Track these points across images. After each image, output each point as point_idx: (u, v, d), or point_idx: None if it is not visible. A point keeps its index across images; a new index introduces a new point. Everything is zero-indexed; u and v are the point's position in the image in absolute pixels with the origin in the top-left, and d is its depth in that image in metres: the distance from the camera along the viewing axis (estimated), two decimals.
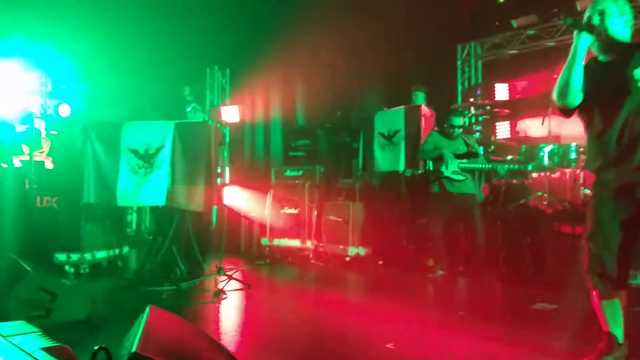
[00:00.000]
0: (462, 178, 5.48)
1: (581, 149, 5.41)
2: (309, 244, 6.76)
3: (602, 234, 2.48)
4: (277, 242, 7.02)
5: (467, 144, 5.63)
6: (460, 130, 5.67)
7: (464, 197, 5.47)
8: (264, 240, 7.10)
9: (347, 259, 6.18)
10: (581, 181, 5.55)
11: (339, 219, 6.44)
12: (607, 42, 2.43)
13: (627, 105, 2.37)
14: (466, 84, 8.65)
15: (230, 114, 7.23)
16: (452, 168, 5.47)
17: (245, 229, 7.57)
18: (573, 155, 5.54)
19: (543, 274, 4.95)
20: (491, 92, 8.10)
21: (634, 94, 2.34)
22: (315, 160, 7.62)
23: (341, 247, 6.32)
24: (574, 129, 6.53)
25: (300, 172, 7.26)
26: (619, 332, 2.51)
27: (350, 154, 7.93)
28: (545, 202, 5.53)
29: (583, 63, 2.41)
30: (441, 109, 6.95)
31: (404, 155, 7.28)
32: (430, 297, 5.01)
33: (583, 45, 2.39)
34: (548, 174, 5.78)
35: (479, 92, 8.27)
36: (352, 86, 8.23)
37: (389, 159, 7.46)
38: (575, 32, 2.40)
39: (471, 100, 8.07)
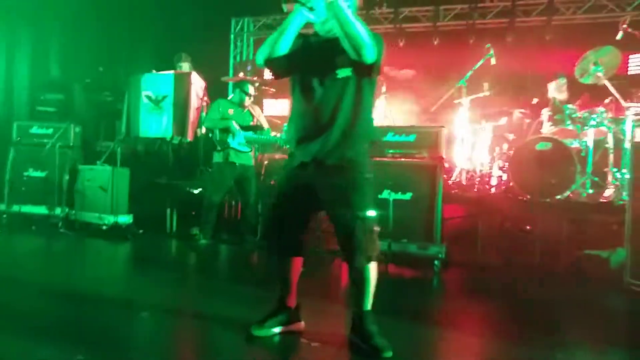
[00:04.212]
0: (248, 150, 5.53)
1: None
2: (58, 211, 6.08)
3: (279, 204, 2.59)
4: (17, 208, 6.13)
5: (252, 116, 5.64)
6: (250, 100, 5.72)
7: (245, 168, 5.51)
8: (1, 206, 6.14)
9: (104, 227, 5.77)
10: None
11: (97, 185, 5.95)
12: (328, 23, 2.43)
13: (327, 90, 2.43)
14: (238, 58, 8.83)
15: None
16: (238, 139, 5.50)
17: None
18: None
19: None
20: (261, 70, 8.46)
21: (333, 84, 2.43)
22: (70, 118, 6.83)
23: (98, 215, 5.86)
24: None
25: (51, 130, 6.43)
26: (288, 296, 2.67)
27: (113, 115, 7.38)
28: None
29: (294, 34, 2.41)
30: (213, 80, 6.97)
31: (172, 121, 7.13)
32: (189, 265, 5.07)
33: (299, 20, 2.39)
34: None
35: (249, 67, 8.55)
36: (119, 42, 7.60)
37: (156, 124, 7.21)
38: (296, 4, 2.38)
39: (241, 74, 8.29)
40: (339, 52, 2.38)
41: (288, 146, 2.68)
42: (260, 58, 2.46)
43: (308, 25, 2.48)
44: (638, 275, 3.82)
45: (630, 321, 3.56)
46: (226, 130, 5.48)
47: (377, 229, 2.50)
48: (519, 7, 7.81)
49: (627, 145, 4.86)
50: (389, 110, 6.89)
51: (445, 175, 5.26)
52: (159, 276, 4.22)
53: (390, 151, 4.92)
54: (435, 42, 8.06)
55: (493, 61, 6.16)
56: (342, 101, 2.42)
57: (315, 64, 2.47)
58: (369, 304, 2.51)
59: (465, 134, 6.19)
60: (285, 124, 5.52)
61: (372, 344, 2.42)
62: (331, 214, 2.51)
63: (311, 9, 2.37)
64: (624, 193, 4.66)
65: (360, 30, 2.28)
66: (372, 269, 2.49)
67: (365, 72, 2.43)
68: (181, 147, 7.19)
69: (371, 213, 2.45)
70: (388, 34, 8.39)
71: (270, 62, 2.46)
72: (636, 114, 5.06)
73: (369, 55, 2.32)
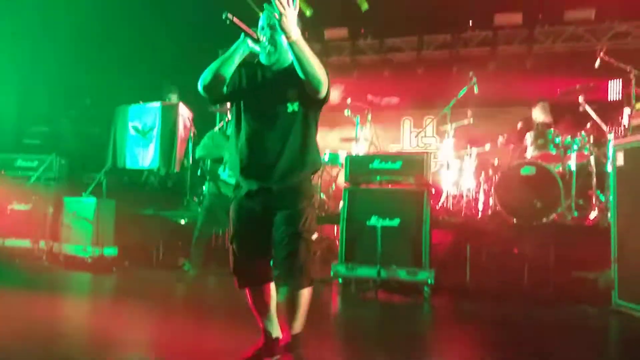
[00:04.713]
0: None
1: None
2: (42, 244, 5.99)
3: (237, 236, 2.56)
4: (0, 241, 6.03)
5: None
6: None
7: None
8: None
9: (89, 260, 5.68)
10: (318, 188, 6.28)
11: (82, 217, 5.88)
12: (274, 57, 2.45)
13: (276, 121, 2.44)
14: None
15: None
16: (229, 171, 5.43)
17: None
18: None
19: None
20: None
21: (282, 116, 2.43)
22: (56, 150, 6.81)
23: (83, 247, 5.77)
24: None
25: (35, 163, 6.40)
26: (272, 327, 2.59)
27: (99, 147, 7.36)
28: None
29: (237, 63, 2.41)
30: (200, 110, 6.99)
31: (159, 152, 7.12)
32: (177, 296, 4.99)
33: (243, 50, 2.40)
34: None
35: None
36: (106, 74, 7.63)
37: (143, 155, 7.19)
38: (242, 34, 2.37)
39: (228, 105, 8.33)
40: (288, 85, 2.41)
41: (230, 175, 2.63)
42: (201, 85, 2.42)
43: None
44: (626, 297, 3.83)
45: (619, 343, 3.55)
46: (218, 161, 5.46)
47: (317, 252, 2.50)
48: (500, 36, 8.01)
49: (610, 168, 4.93)
50: (375, 137, 6.95)
51: (432, 201, 5.28)
52: (146, 309, 4.14)
53: (377, 178, 4.95)
54: (420, 71, 8.21)
55: (476, 89, 6.27)
56: (289, 134, 2.44)
57: (263, 97, 2.47)
58: (299, 327, 2.47)
59: (451, 160, 6.25)
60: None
61: None
62: (278, 236, 2.46)
63: (257, 40, 2.38)
64: (609, 215, 4.71)
65: (319, 68, 2.31)
66: (308, 293, 2.45)
67: (316, 106, 2.48)
68: (168, 178, 7.16)
69: (314, 236, 2.46)
70: (373, 63, 8.55)
71: (210, 90, 2.43)
72: (617, 138, 5.15)
73: (325, 91, 2.37)
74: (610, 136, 5.29)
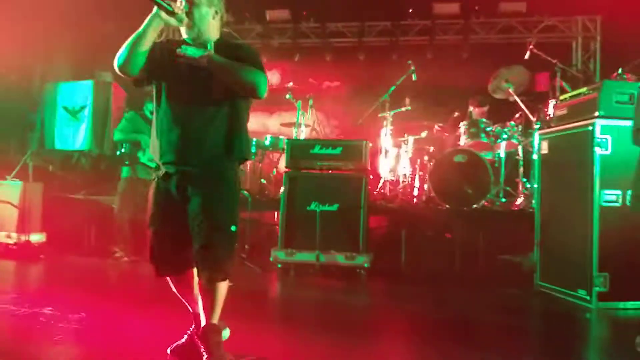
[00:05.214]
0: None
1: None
2: None
3: (156, 218, 2.44)
4: None
5: None
6: None
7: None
8: None
9: (14, 247, 5.38)
10: (259, 173, 6.26)
11: (5, 202, 5.54)
12: (193, 31, 2.32)
13: (200, 107, 2.34)
14: None
15: None
16: (148, 155, 5.29)
17: None
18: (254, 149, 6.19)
19: None
20: None
21: (207, 102, 2.34)
22: None
23: (7, 234, 5.46)
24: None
25: None
26: (201, 313, 2.47)
27: (26, 127, 6.95)
28: None
29: (153, 38, 2.25)
30: (134, 90, 6.71)
31: (91, 133, 6.82)
32: (105, 285, 4.82)
33: (155, 23, 2.21)
34: None
35: None
36: (34, 50, 7.16)
37: (74, 136, 6.87)
38: (155, 7, 2.19)
39: None
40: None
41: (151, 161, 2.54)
42: (117, 63, 2.26)
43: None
44: (547, 279, 4.10)
45: (540, 321, 3.81)
46: (137, 145, 5.32)
47: (236, 245, 2.44)
48: (438, 25, 8.21)
49: (535, 157, 5.22)
50: (316, 123, 6.97)
51: (370, 187, 5.39)
52: (74, 298, 3.98)
53: (318, 163, 4.99)
54: (361, 57, 8.28)
55: (414, 77, 6.41)
56: (214, 120, 2.34)
57: (187, 80, 2.34)
58: (217, 317, 2.40)
59: (388, 147, 6.39)
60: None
61: (216, 357, 2.32)
62: (193, 224, 2.33)
63: (172, 13, 2.20)
64: (533, 201, 4.99)
65: (248, 74, 2.26)
66: (225, 285, 2.37)
67: (251, 98, 2.42)
68: (101, 160, 6.88)
69: (234, 228, 2.38)
70: (315, 47, 8.54)
71: (126, 68, 2.26)
72: (542, 128, 5.45)
73: (264, 91, 2.31)
74: (537, 126, 5.58)
